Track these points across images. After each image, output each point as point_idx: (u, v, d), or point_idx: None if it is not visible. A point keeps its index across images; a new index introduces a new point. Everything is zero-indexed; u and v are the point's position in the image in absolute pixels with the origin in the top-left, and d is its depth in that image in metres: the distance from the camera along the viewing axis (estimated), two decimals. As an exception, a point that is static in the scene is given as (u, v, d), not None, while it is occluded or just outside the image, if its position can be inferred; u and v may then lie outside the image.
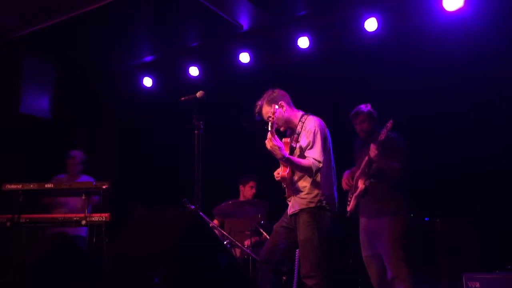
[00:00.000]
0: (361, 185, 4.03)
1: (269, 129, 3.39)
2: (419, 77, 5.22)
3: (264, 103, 3.67)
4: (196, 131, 3.70)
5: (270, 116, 3.41)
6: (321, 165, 3.44)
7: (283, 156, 3.39)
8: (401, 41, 5.43)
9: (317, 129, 3.53)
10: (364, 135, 4.14)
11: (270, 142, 3.37)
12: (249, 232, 5.06)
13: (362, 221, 4.06)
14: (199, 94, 3.74)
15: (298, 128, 3.63)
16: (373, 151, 3.87)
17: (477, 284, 3.97)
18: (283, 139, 3.65)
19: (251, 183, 5.59)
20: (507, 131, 4.72)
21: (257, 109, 3.72)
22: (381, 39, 5.42)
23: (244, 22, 5.68)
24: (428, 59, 5.20)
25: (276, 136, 3.44)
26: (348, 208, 4.09)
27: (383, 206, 3.92)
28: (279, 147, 3.38)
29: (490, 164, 4.77)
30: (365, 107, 4.16)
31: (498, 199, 4.63)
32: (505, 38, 4.74)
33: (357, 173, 4.10)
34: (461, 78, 5.08)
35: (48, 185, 4.43)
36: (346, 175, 4.24)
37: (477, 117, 5.01)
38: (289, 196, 3.64)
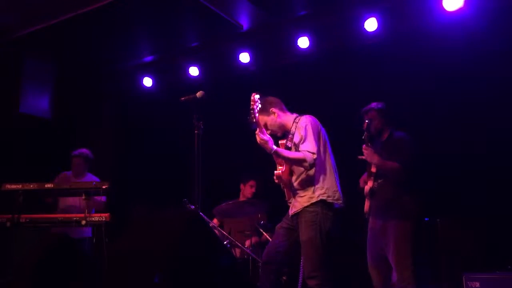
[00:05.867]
0: (368, 185, 4.00)
1: (254, 121, 3.37)
2: (419, 77, 5.23)
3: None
4: (196, 131, 3.70)
5: (251, 107, 3.36)
6: (315, 156, 3.41)
7: (271, 150, 3.41)
8: (401, 41, 5.42)
9: (308, 124, 3.54)
10: (373, 132, 4.04)
11: (258, 136, 3.39)
12: (249, 232, 5.06)
13: (370, 221, 4.03)
14: (199, 94, 3.74)
15: (292, 129, 3.65)
16: (367, 156, 3.85)
17: (477, 284, 3.97)
18: (279, 141, 3.67)
19: (251, 182, 5.60)
20: (507, 131, 4.72)
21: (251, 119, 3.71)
22: (381, 39, 5.42)
23: (244, 22, 5.68)
24: (428, 59, 5.20)
25: (264, 130, 3.45)
26: (365, 210, 4.07)
27: (390, 209, 3.86)
28: (266, 141, 3.39)
29: (490, 164, 4.77)
30: (376, 105, 4.09)
31: (498, 199, 4.63)
32: (505, 38, 4.74)
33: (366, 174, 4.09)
34: (461, 78, 5.08)
35: (48, 185, 4.42)
36: (364, 176, 4.19)
37: (477, 116, 5.01)
38: (289, 198, 3.65)
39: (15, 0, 5.12)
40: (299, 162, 3.45)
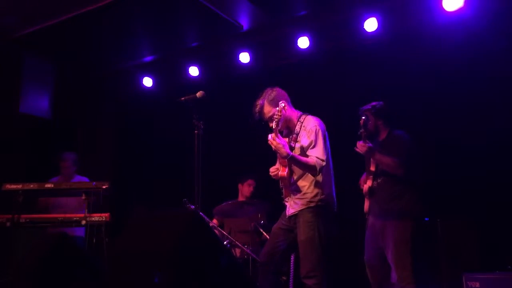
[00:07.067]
0: (368, 184, 4.00)
1: (274, 127, 3.39)
2: (419, 77, 5.22)
3: (265, 102, 3.64)
4: (196, 131, 3.70)
5: (275, 115, 3.41)
6: (324, 163, 3.44)
7: (288, 155, 3.38)
8: (401, 41, 5.42)
9: (318, 128, 3.53)
10: (369, 130, 4.00)
11: (275, 141, 3.37)
12: (249, 232, 5.06)
13: (369, 221, 4.03)
14: (199, 94, 3.74)
15: (297, 128, 3.63)
16: (361, 148, 3.85)
17: (477, 284, 3.97)
18: None
19: (249, 181, 5.61)
20: (507, 131, 4.72)
21: (257, 109, 3.69)
22: (381, 39, 5.42)
23: (244, 22, 5.68)
24: (428, 59, 5.20)
25: (279, 135, 3.44)
26: (364, 209, 4.07)
27: (390, 207, 3.85)
28: (283, 145, 3.39)
29: (490, 164, 4.77)
30: (372, 105, 4.07)
31: (498, 199, 4.63)
32: (505, 38, 4.74)
33: (365, 174, 4.09)
34: (460, 78, 5.08)
35: (48, 185, 4.43)
36: (363, 176, 4.18)
37: (477, 117, 5.01)
38: (287, 197, 3.64)
39: (15, 0, 5.12)
40: (310, 168, 3.45)
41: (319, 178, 3.51)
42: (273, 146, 3.40)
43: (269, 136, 3.41)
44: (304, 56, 5.88)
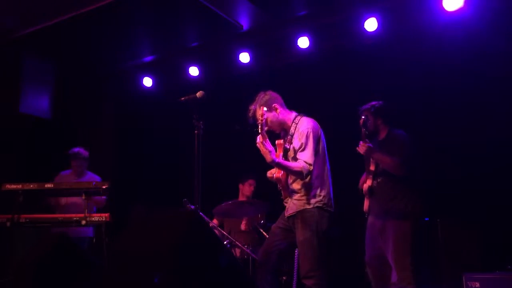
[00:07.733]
0: (367, 184, 4.00)
1: (259, 131, 3.39)
2: (419, 77, 5.23)
3: (258, 106, 3.65)
4: (196, 131, 3.70)
5: (258, 119, 3.42)
6: (311, 167, 3.43)
7: (273, 161, 3.39)
8: (401, 41, 5.43)
9: (310, 130, 3.52)
10: (369, 130, 4.00)
11: (263, 147, 3.38)
12: (248, 232, 5.06)
13: (369, 220, 4.03)
14: (199, 94, 3.74)
15: (292, 129, 3.62)
16: (361, 148, 3.86)
17: (477, 284, 3.97)
18: (276, 141, 3.65)
19: (250, 181, 5.61)
20: (507, 131, 4.72)
21: (250, 113, 3.70)
22: (381, 39, 5.42)
23: (244, 22, 5.68)
24: (428, 59, 5.20)
25: (267, 139, 3.44)
26: (364, 209, 4.07)
27: (390, 207, 3.85)
28: (269, 151, 3.38)
29: (490, 164, 4.77)
30: (372, 104, 4.07)
31: (498, 199, 4.63)
32: (505, 38, 4.74)
33: (365, 173, 4.09)
34: (461, 78, 5.09)
35: (48, 185, 4.41)
36: (363, 176, 4.19)
37: (477, 116, 5.01)
38: (285, 198, 3.64)
39: (15, 0, 5.12)
40: (296, 173, 3.46)
41: (314, 180, 3.49)
42: (261, 150, 3.41)
43: (257, 138, 3.41)
44: (304, 56, 5.89)
